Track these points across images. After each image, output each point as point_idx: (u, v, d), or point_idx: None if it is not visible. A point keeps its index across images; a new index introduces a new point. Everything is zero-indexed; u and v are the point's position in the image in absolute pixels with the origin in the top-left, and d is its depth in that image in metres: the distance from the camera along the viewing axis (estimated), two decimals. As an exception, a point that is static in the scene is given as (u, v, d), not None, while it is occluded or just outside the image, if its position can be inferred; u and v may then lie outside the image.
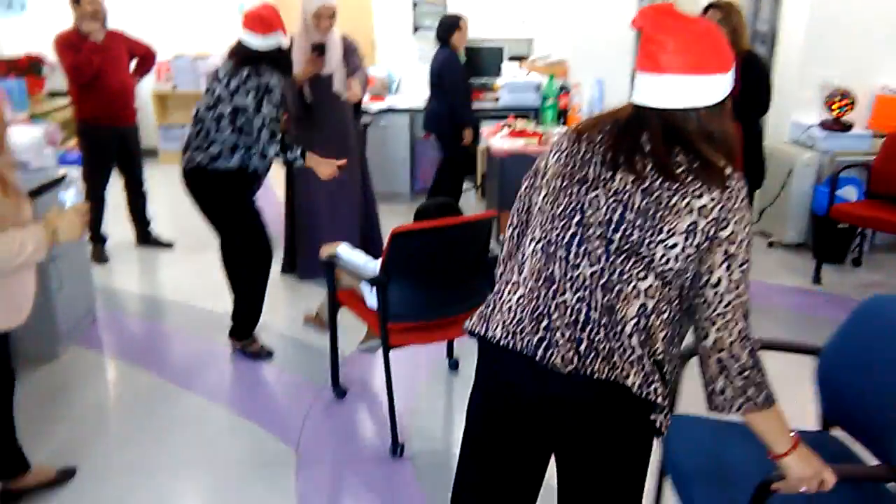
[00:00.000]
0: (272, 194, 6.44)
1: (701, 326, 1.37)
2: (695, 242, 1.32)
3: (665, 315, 1.37)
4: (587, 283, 1.37)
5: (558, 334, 1.37)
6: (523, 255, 1.46)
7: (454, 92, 4.82)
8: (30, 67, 5.63)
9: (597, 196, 1.37)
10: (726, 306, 1.34)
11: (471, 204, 6.15)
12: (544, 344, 1.38)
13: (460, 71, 4.87)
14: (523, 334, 1.40)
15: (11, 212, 1.92)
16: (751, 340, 1.36)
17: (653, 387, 1.36)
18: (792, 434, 1.44)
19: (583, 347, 1.36)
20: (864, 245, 4.73)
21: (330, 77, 4.00)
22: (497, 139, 4.56)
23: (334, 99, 4.04)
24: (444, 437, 2.90)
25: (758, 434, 1.44)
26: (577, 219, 1.38)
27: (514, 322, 1.42)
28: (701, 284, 1.35)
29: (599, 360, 1.36)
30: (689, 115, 1.34)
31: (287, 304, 4.07)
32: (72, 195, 2.11)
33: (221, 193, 3.25)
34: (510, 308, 1.44)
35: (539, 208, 1.46)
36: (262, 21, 3.17)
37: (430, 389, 3.23)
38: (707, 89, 1.34)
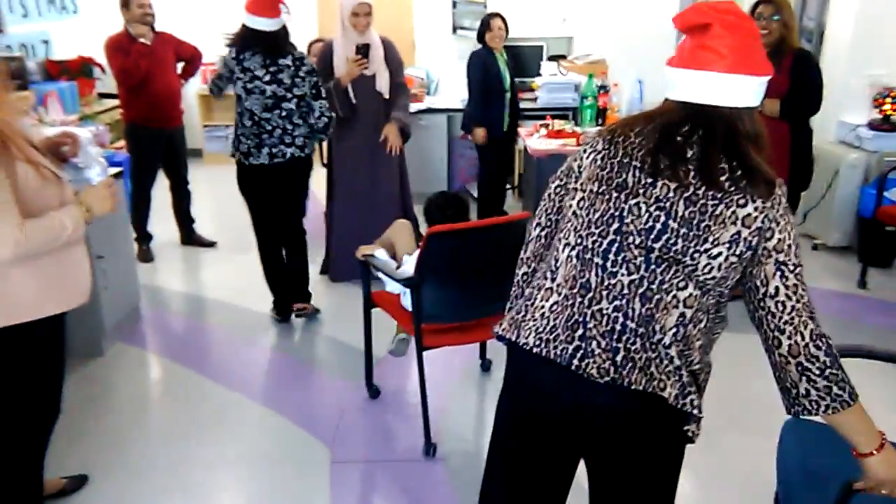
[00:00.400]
0: (313, 197, 6.53)
1: (772, 337, 1.35)
2: (737, 251, 1.31)
3: (702, 324, 1.37)
4: (625, 291, 1.36)
5: (594, 343, 1.36)
6: (557, 260, 1.44)
7: (469, 90, 4.89)
8: (81, 69, 5.79)
9: (637, 203, 1.35)
10: (791, 312, 1.33)
11: (508, 203, 6.15)
12: (580, 353, 1.37)
13: (478, 69, 4.84)
14: (557, 342, 1.39)
15: (54, 195, 1.98)
16: (824, 339, 1.34)
17: (689, 398, 1.36)
18: (881, 435, 1.41)
19: (619, 357, 1.35)
20: (915, 248, 4.59)
21: (373, 77, 4.04)
22: (534, 139, 4.54)
23: (377, 98, 4.08)
24: (476, 438, 2.91)
25: (843, 433, 1.41)
26: (615, 226, 1.36)
27: (548, 330, 1.41)
28: (759, 297, 1.35)
29: (637, 370, 1.35)
30: (742, 115, 1.34)
31: (322, 305, 4.12)
32: (97, 172, 2.17)
33: (307, 177, 4.08)
34: (543, 315, 1.42)
35: (574, 212, 1.42)
36: (275, 4, 3.39)
37: (463, 390, 3.25)
38: (755, 90, 1.34)
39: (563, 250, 1.43)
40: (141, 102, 4.55)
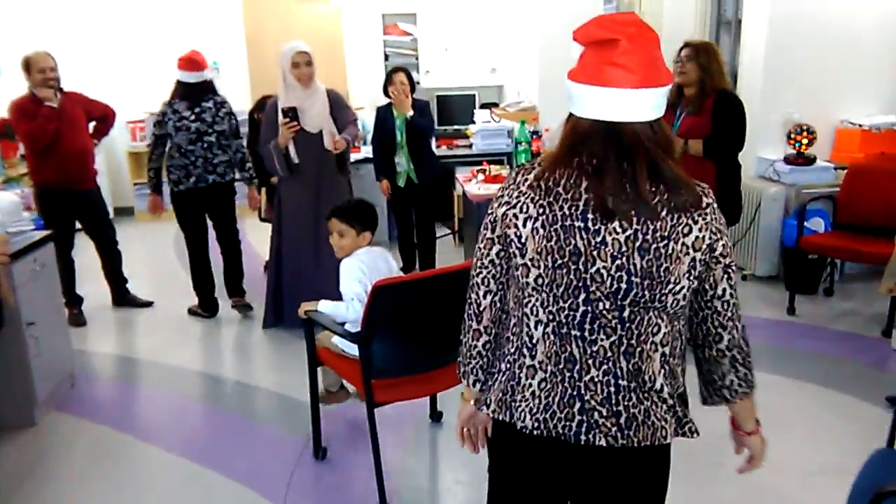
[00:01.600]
0: (250, 251, 6.45)
1: (714, 333, 1.43)
2: (695, 275, 1.37)
3: (678, 350, 1.44)
4: (609, 354, 1.37)
5: (596, 414, 1.38)
6: (531, 337, 1.41)
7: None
8: (4, 131, 5.63)
9: (598, 270, 1.33)
10: (732, 310, 1.42)
11: (448, 249, 6.20)
12: (584, 427, 1.39)
13: (376, 124, 4.94)
14: (555, 420, 1.40)
15: None
16: (745, 330, 1.45)
17: (686, 427, 1.46)
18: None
19: (623, 420, 1.38)
20: (834, 275, 4.84)
21: (318, 135, 4.01)
22: (472, 185, 4.63)
23: (322, 154, 4.06)
24: (431, 494, 2.86)
25: (742, 415, 1.54)
26: (583, 297, 1.35)
27: (542, 409, 1.40)
28: (708, 298, 1.41)
29: (642, 427, 1.39)
30: (653, 126, 1.33)
31: (269, 358, 4.05)
32: None
33: (230, 200, 4.61)
34: (534, 394, 1.41)
35: (533, 288, 1.38)
36: (197, 62, 4.39)
37: (416, 445, 3.16)
38: (662, 101, 1.34)
39: (535, 327, 1.40)
40: (50, 166, 4.40)
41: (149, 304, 4.97)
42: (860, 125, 4.96)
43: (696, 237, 1.34)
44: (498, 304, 1.49)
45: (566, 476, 1.49)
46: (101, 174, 6.96)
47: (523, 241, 1.37)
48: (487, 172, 4.73)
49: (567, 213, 1.33)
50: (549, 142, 5.03)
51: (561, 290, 1.36)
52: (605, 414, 1.38)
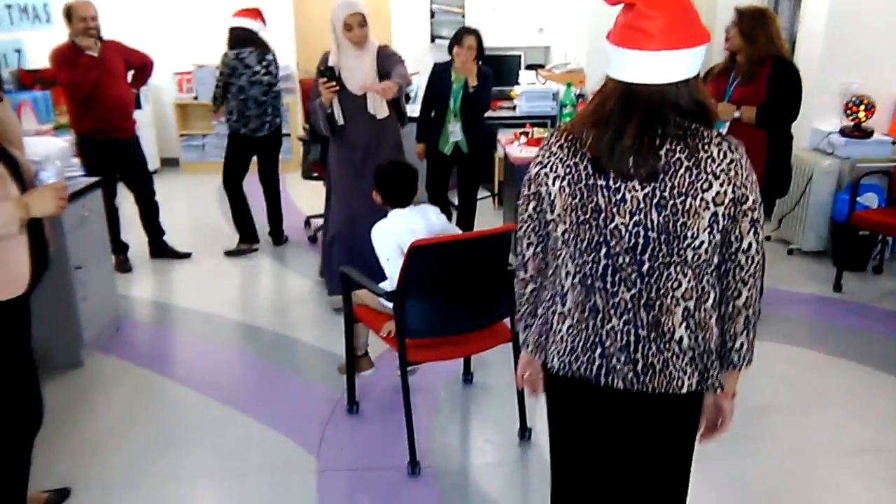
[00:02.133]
0: (291, 205, 6.52)
1: (734, 287, 1.46)
2: (719, 229, 1.39)
3: (710, 301, 1.45)
4: (629, 306, 1.44)
5: (614, 360, 1.47)
6: (563, 287, 1.52)
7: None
8: (54, 79, 5.73)
9: (616, 226, 1.40)
10: (756, 266, 1.45)
11: (488, 212, 6.17)
12: (604, 371, 1.48)
13: (429, 84, 4.60)
14: (579, 363, 1.50)
15: None
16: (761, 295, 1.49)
17: (710, 381, 1.48)
18: None
19: (640, 367, 1.46)
20: (884, 252, 4.69)
21: (364, 98, 3.78)
22: (514, 147, 4.57)
23: (369, 120, 3.83)
24: (462, 452, 2.89)
25: (728, 379, 1.53)
26: (604, 251, 1.43)
27: (568, 352, 1.51)
28: (732, 251, 1.43)
29: (658, 375, 1.46)
30: (680, 89, 1.37)
31: (308, 312, 4.11)
32: (50, 174, 2.16)
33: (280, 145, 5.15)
34: (562, 338, 1.52)
35: (563, 241, 1.48)
36: (262, 14, 4.86)
37: (449, 405, 3.18)
38: (689, 62, 1.37)
39: (565, 278, 1.51)
40: (91, 114, 4.44)
41: (187, 256, 5.04)
42: (920, 98, 4.74)
43: (718, 192, 1.37)
44: (540, 255, 1.59)
45: (593, 415, 1.58)
46: (149, 125, 7.10)
47: (552, 198, 1.47)
48: (530, 135, 4.67)
49: (590, 171, 1.41)
50: (594, 105, 4.93)
51: (584, 244, 1.45)
52: (622, 360, 1.46)
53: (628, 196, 1.39)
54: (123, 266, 4.72)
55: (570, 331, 1.51)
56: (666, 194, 1.37)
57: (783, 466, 2.70)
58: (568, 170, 1.44)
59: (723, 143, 1.39)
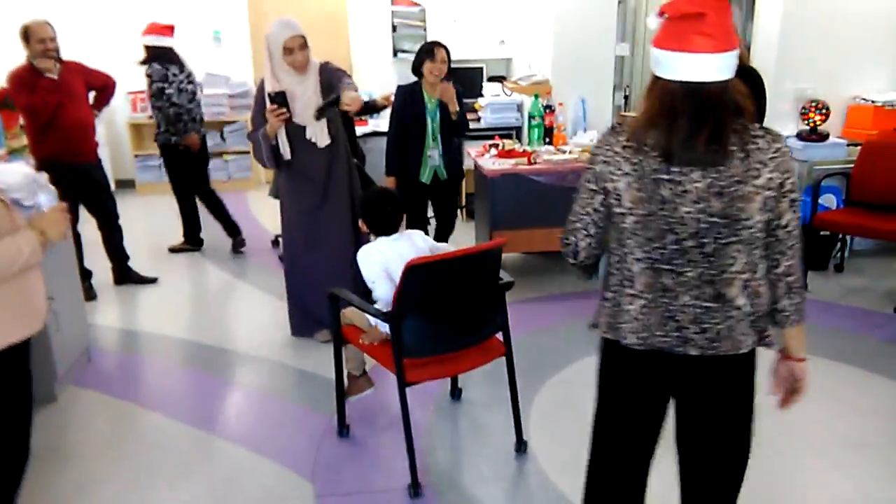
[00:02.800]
0: (256, 224, 6.43)
1: (773, 258, 1.66)
2: (767, 209, 1.59)
3: (759, 272, 1.65)
4: (695, 283, 1.63)
5: (687, 331, 1.65)
6: (630, 271, 1.68)
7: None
8: (4, 102, 5.52)
9: (682, 218, 1.58)
10: (793, 240, 1.64)
11: (458, 225, 6.17)
12: (679, 341, 1.66)
13: (398, 107, 4.19)
14: (654, 338, 1.67)
15: (5, 220, 1.92)
16: (801, 263, 1.68)
17: (766, 339, 1.70)
18: None
19: (709, 335, 1.64)
20: (844, 251, 4.86)
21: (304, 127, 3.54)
22: (487, 160, 4.59)
23: (314, 148, 3.57)
24: (460, 469, 2.86)
25: (792, 343, 1.76)
26: (671, 238, 1.61)
27: (643, 329, 1.68)
28: (772, 228, 1.63)
29: (726, 339, 1.64)
30: (728, 86, 1.56)
31: (287, 336, 4.03)
32: (45, 198, 2.11)
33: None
34: (635, 318, 1.68)
35: (632, 231, 1.65)
36: (173, 28, 5.16)
37: (438, 423, 3.15)
38: (734, 63, 1.56)
39: (634, 264, 1.67)
40: (51, 139, 4.30)
41: (153, 281, 4.92)
42: (873, 101, 4.94)
43: (767, 178, 1.56)
44: (593, 245, 1.76)
45: (666, 381, 1.76)
46: (102, 146, 6.89)
47: (620, 193, 1.63)
48: (501, 147, 4.69)
49: (655, 167, 1.58)
50: (561, 116, 4.99)
51: (652, 233, 1.62)
52: (695, 331, 1.65)
53: (690, 187, 1.57)
54: (88, 293, 4.55)
55: (643, 310, 1.67)
56: (723, 183, 1.55)
57: (771, 465, 2.75)
58: (633, 168, 1.60)
59: (766, 134, 1.59)
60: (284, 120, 3.45)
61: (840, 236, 4.74)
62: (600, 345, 1.82)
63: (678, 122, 1.55)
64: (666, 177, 1.57)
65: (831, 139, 4.85)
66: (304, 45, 3.44)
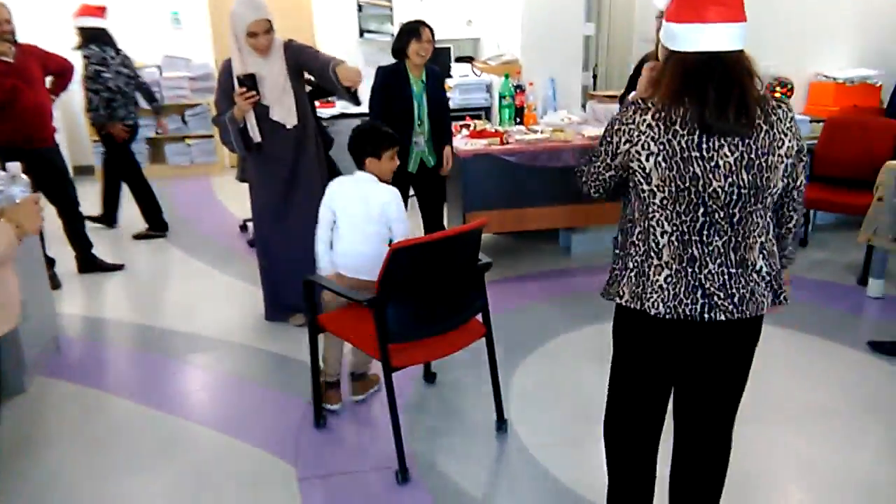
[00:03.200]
0: (223, 209, 6.34)
1: (787, 215, 1.83)
2: (788, 175, 1.71)
3: (772, 231, 1.77)
4: (722, 251, 1.71)
5: (715, 298, 1.73)
6: (657, 243, 1.74)
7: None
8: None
9: (714, 190, 1.65)
10: (801, 198, 1.82)
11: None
12: (707, 308, 1.73)
13: (379, 91, 3.92)
14: (682, 306, 1.74)
15: None
16: None
17: (781, 296, 1.81)
18: None
19: (736, 299, 1.73)
20: (808, 226, 4.98)
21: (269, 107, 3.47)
22: (459, 140, 4.57)
23: (283, 131, 3.52)
24: (442, 450, 2.86)
25: (785, 275, 1.88)
26: (701, 211, 1.68)
27: (671, 297, 1.74)
28: (788, 189, 1.77)
29: (749, 302, 1.74)
30: (743, 55, 1.64)
31: (259, 320, 3.99)
32: (19, 189, 2.03)
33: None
34: (661, 287, 1.75)
35: (660, 206, 1.71)
36: (106, 10, 5.16)
37: (417, 405, 3.13)
38: (745, 33, 1.64)
39: (661, 236, 1.73)
40: (7, 123, 4.18)
41: (119, 268, 4.83)
42: (835, 79, 5.05)
43: (788, 146, 1.67)
44: (604, 198, 1.89)
45: (685, 348, 1.83)
46: (59, 131, 6.71)
47: (647, 172, 1.68)
48: (473, 127, 4.68)
49: (684, 146, 1.63)
50: (532, 96, 4.99)
51: (683, 207, 1.68)
52: (722, 297, 1.73)
53: (721, 162, 1.63)
54: (52, 282, 4.44)
55: (669, 279, 1.73)
56: (752, 155, 1.63)
57: (741, 434, 2.77)
58: (661, 147, 1.64)
59: (781, 104, 1.69)
60: (253, 103, 3.37)
61: (804, 211, 4.85)
62: (619, 313, 1.90)
63: (708, 93, 1.58)
64: (696, 153, 1.62)
65: (796, 116, 4.93)
66: (269, 30, 3.36)
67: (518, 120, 4.94)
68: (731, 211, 1.67)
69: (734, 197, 1.65)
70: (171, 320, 4.01)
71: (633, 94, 3.81)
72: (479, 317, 2.80)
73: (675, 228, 1.70)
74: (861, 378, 3.29)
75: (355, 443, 2.87)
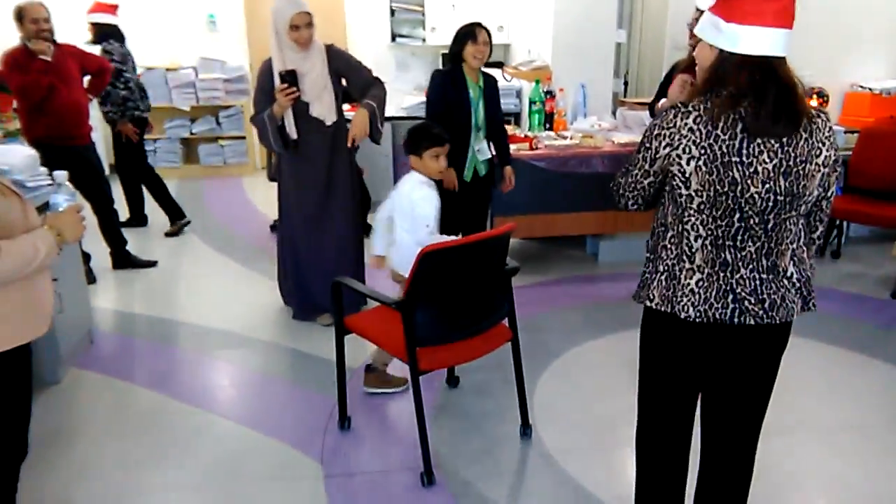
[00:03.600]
0: (254, 209, 6.42)
1: (814, 225, 1.83)
2: (821, 184, 1.72)
3: (803, 239, 1.79)
4: (754, 256, 1.73)
5: (746, 303, 1.74)
6: (691, 247, 1.75)
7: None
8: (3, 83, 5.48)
9: (751, 195, 1.66)
10: (829, 206, 1.82)
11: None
12: (737, 312, 1.74)
13: (437, 94, 3.78)
14: (712, 310, 1.75)
15: (19, 215, 1.88)
16: None
17: (810, 303, 1.83)
18: None
19: (767, 304, 1.75)
20: (841, 238, 4.91)
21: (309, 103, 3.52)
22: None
23: (318, 126, 3.56)
24: (466, 454, 2.87)
25: None
26: (737, 216, 1.69)
27: (702, 301, 1.75)
28: (819, 199, 1.77)
29: (780, 308, 1.75)
30: (786, 63, 1.64)
31: (289, 319, 4.04)
32: (63, 197, 2.07)
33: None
34: (693, 291, 1.76)
35: (695, 211, 1.72)
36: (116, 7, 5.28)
37: (441, 409, 3.15)
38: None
39: (695, 240, 1.74)
40: (44, 120, 4.29)
41: (153, 264, 4.91)
42: (870, 89, 4.99)
43: (825, 156, 1.68)
44: (642, 208, 1.88)
45: (713, 353, 1.84)
46: (97, 130, 6.86)
47: (687, 176, 1.69)
48: (502, 132, 4.68)
49: (725, 150, 1.63)
50: (562, 102, 4.99)
51: (719, 212, 1.69)
52: (752, 302, 1.74)
53: (759, 168, 1.64)
54: (87, 277, 4.54)
55: (701, 283, 1.75)
56: (791, 163, 1.64)
57: (770, 446, 2.77)
58: (703, 151, 1.65)
59: (820, 114, 1.69)
60: (294, 100, 3.41)
61: (837, 222, 4.78)
62: (648, 316, 1.91)
63: (768, 96, 1.59)
64: (736, 158, 1.63)
65: (829, 126, 4.88)
66: (310, 24, 3.42)
67: (548, 126, 4.94)
68: (766, 217, 1.68)
69: (770, 203, 1.66)
70: (200, 316, 4.08)
71: (662, 101, 3.86)
72: (506, 321, 2.81)
73: (709, 233, 1.71)
74: (892, 393, 3.23)
75: (380, 444, 2.89)
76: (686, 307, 1.76)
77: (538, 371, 3.40)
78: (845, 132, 4.88)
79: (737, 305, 1.74)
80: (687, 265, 1.76)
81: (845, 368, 3.45)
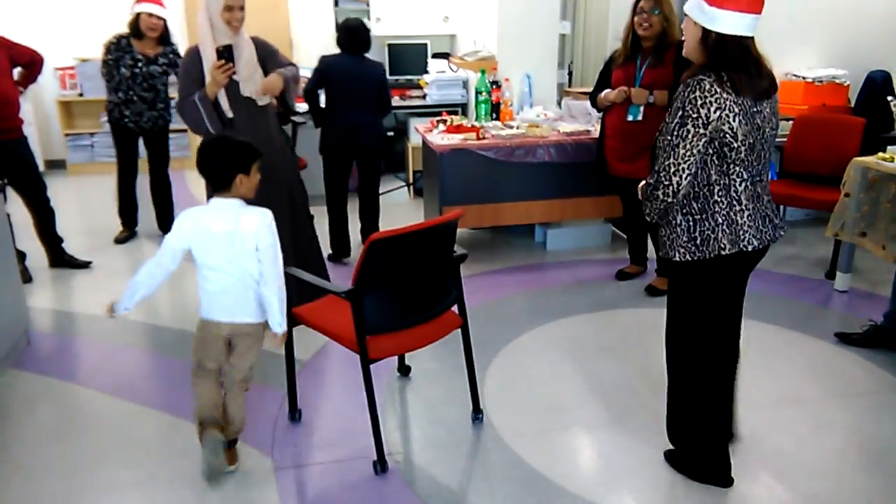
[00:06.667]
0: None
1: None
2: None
3: None
4: (766, 185, 2.29)
5: (776, 220, 2.31)
6: (737, 192, 2.20)
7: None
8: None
9: (765, 136, 2.20)
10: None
11: (403, 202, 6.17)
12: (776, 231, 2.30)
13: None
14: (763, 234, 2.25)
15: None
16: None
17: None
18: None
19: (779, 221, 2.33)
20: (777, 221, 5.07)
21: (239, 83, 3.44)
22: (436, 135, 4.58)
23: (253, 109, 3.50)
24: (418, 440, 2.87)
25: None
26: (762, 155, 2.23)
27: (756, 230, 2.24)
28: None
29: (782, 223, 2.35)
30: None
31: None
32: None
33: None
34: (749, 226, 2.22)
35: (741, 160, 2.16)
36: None
37: (392, 397, 3.16)
38: None
39: (740, 185, 2.20)
40: None
41: (86, 265, 4.75)
42: (804, 78, 5.15)
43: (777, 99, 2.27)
44: (690, 181, 2.19)
45: (747, 274, 2.36)
46: (29, 125, 6.61)
47: (734, 131, 2.12)
48: (449, 122, 4.70)
49: (747, 105, 2.12)
50: (508, 92, 5.02)
51: (754, 155, 2.19)
52: (778, 221, 2.33)
53: (766, 113, 2.18)
54: (23, 276, 4.37)
55: (750, 217, 2.22)
56: (770, 110, 2.20)
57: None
58: (739, 107, 2.10)
59: (771, 74, 2.20)
60: (230, 75, 3.33)
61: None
62: (703, 267, 2.25)
63: (761, 68, 2.15)
64: (755, 108, 2.14)
65: (765, 114, 5.03)
66: (242, 6, 3.38)
67: (494, 115, 4.97)
68: (770, 151, 2.23)
69: (770, 141, 2.21)
70: (140, 314, 3.97)
71: (603, 93, 3.92)
72: (455, 308, 2.82)
73: (748, 175, 2.19)
74: (828, 368, 3.36)
75: (332, 434, 2.87)
76: (750, 241, 2.21)
77: (488, 357, 3.42)
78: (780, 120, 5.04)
79: (772, 226, 2.27)
80: (737, 207, 2.20)
81: (782, 346, 3.57)
